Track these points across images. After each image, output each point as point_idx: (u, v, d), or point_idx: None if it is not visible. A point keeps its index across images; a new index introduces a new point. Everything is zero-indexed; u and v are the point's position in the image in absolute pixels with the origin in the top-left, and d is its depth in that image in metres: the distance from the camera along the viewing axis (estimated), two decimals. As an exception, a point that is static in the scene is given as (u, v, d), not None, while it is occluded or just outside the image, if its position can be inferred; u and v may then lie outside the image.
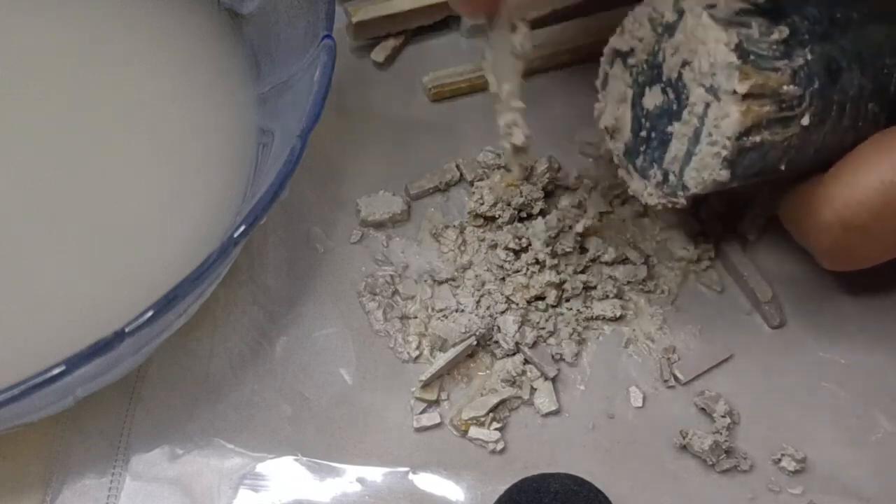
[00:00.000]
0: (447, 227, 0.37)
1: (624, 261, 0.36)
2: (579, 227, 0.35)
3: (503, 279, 0.35)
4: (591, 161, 0.39)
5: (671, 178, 0.30)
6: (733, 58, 0.27)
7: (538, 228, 0.35)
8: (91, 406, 0.32)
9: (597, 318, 0.35)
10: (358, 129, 0.40)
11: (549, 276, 0.35)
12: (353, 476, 0.32)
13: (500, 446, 0.33)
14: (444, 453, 0.33)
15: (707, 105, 0.28)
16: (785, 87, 0.27)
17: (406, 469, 0.32)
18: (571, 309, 0.35)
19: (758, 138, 0.27)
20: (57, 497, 0.32)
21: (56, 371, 0.25)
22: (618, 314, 0.35)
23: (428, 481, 0.32)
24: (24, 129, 0.35)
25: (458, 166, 0.38)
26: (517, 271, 0.35)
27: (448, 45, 0.42)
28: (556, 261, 0.35)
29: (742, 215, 0.37)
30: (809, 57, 0.28)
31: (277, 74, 0.35)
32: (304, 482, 0.32)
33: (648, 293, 0.36)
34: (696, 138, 0.28)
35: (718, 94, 0.27)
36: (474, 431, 0.33)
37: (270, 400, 0.34)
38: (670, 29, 0.29)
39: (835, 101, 0.28)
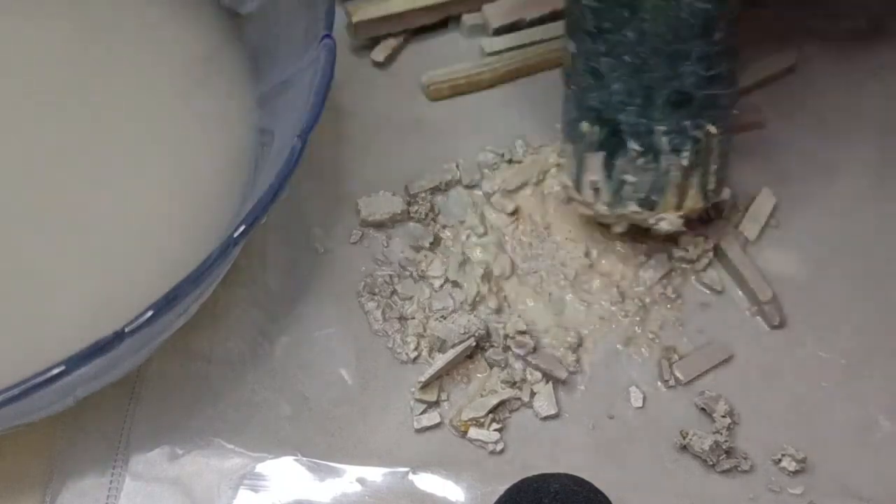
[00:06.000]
0: (445, 227, 0.37)
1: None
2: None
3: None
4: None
5: None
6: None
7: None
8: (91, 406, 0.32)
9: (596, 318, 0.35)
10: (358, 129, 0.40)
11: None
12: (353, 476, 0.32)
13: (499, 447, 0.33)
14: (444, 453, 0.33)
15: None
16: None
17: (406, 469, 0.32)
18: (571, 309, 0.35)
19: None
20: (57, 497, 0.32)
21: (56, 371, 0.25)
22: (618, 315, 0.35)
23: (428, 481, 0.32)
24: (26, 131, 0.35)
25: (458, 166, 0.38)
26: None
27: (448, 45, 0.42)
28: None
29: (742, 215, 0.37)
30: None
31: (277, 74, 0.35)
32: (304, 482, 0.32)
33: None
34: None
35: None
36: (474, 432, 0.33)
37: (270, 400, 0.34)
38: None
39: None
